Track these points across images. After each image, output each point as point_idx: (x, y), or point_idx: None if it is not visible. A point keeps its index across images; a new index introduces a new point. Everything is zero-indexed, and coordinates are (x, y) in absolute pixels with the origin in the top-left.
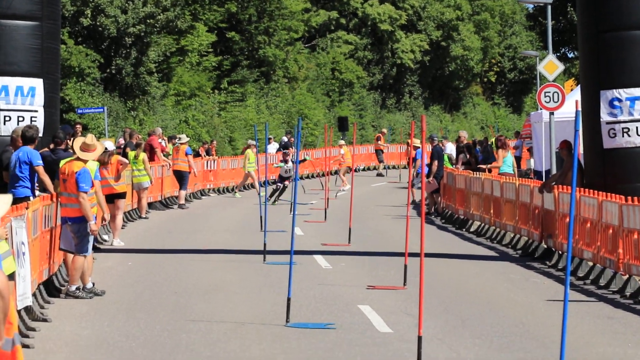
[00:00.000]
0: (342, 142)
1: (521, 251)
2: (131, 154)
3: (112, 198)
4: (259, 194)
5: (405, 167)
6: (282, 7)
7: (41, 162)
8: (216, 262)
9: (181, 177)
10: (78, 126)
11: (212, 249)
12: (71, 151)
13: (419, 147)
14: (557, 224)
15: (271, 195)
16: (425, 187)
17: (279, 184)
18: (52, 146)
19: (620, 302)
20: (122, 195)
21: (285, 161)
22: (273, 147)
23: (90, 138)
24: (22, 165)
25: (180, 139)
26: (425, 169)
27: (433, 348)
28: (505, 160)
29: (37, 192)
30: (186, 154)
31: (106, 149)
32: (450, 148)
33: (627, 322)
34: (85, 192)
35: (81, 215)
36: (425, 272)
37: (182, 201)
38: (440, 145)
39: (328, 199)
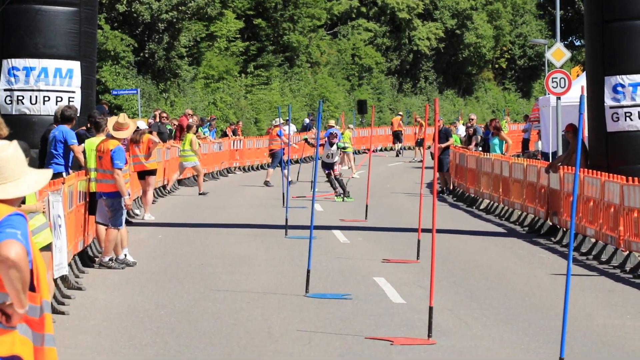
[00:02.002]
0: (351, 126)
1: (528, 228)
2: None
3: (143, 174)
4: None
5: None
6: None
7: (76, 141)
8: (240, 236)
9: (272, 156)
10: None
11: (237, 223)
12: (93, 132)
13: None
14: (562, 203)
15: (339, 187)
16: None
17: (326, 168)
18: (88, 125)
19: (620, 277)
20: (152, 172)
21: (331, 144)
22: (292, 128)
23: (122, 117)
24: (58, 143)
25: (275, 121)
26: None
27: (443, 318)
28: (494, 144)
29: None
30: (278, 135)
31: (138, 127)
32: (461, 129)
33: (626, 296)
34: (120, 169)
35: (115, 191)
36: (437, 246)
37: (268, 178)
38: (452, 127)
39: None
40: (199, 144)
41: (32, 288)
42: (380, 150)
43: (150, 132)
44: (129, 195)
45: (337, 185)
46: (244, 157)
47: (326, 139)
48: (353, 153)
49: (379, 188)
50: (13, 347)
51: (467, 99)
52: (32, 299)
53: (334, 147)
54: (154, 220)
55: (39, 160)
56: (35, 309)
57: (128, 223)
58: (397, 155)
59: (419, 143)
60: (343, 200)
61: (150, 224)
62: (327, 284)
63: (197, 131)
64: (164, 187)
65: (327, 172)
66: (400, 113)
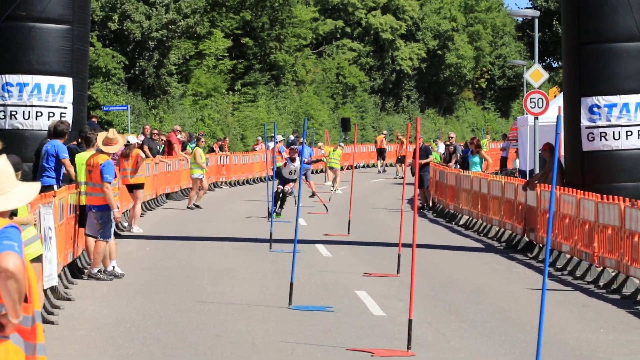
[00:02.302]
0: (342, 144)
1: (505, 244)
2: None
3: (131, 188)
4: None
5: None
6: (293, 16)
7: (67, 155)
8: (226, 249)
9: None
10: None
11: (223, 236)
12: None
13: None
14: (539, 219)
15: (275, 204)
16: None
17: (280, 187)
18: (79, 140)
19: (594, 292)
20: (140, 186)
21: (292, 159)
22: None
23: (112, 132)
24: (50, 157)
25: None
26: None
27: (422, 331)
28: (474, 162)
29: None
30: (279, 152)
31: (128, 142)
32: (441, 147)
33: (600, 310)
34: (109, 182)
35: (105, 204)
36: (417, 261)
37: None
38: (433, 145)
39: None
40: (205, 157)
41: (25, 299)
42: (363, 166)
43: (142, 147)
44: (118, 208)
45: (279, 203)
46: (230, 172)
47: (287, 159)
48: (341, 169)
49: (361, 203)
50: (7, 356)
51: (447, 118)
52: (25, 310)
53: (296, 162)
54: (142, 232)
55: (32, 173)
56: (27, 319)
57: (117, 235)
58: (381, 172)
59: (400, 160)
60: (269, 218)
61: (138, 236)
62: (309, 297)
63: (185, 148)
64: (154, 200)
65: (280, 186)
66: (384, 132)
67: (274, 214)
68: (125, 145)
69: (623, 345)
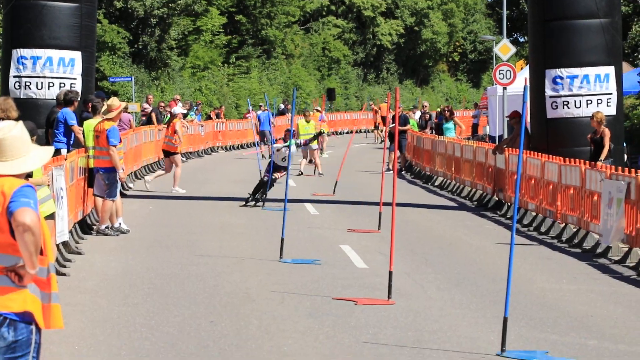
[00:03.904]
0: (318, 108)
1: (476, 202)
2: None
3: (168, 154)
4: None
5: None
6: None
7: (75, 121)
8: (222, 208)
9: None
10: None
11: (219, 196)
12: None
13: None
14: (507, 180)
15: (255, 193)
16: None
17: (267, 175)
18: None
19: (557, 246)
20: (174, 153)
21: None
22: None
23: (111, 100)
24: (59, 124)
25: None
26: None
27: (401, 282)
28: (447, 128)
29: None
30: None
31: (172, 112)
32: (418, 115)
33: (562, 263)
34: (115, 146)
35: (111, 166)
36: (397, 218)
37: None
38: (410, 113)
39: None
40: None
41: (40, 252)
42: (347, 132)
43: (150, 115)
44: (123, 169)
45: (262, 190)
46: (226, 138)
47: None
48: (327, 134)
49: (345, 166)
50: (25, 304)
51: (423, 88)
52: (41, 262)
53: (293, 148)
54: (185, 193)
55: (45, 139)
56: (43, 270)
57: (122, 195)
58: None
59: (376, 127)
60: (253, 204)
61: (142, 195)
62: (298, 251)
63: (186, 116)
64: (157, 163)
65: (267, 175)
66: (386, 100)
67: (252, 202)
68: (170, 115)
69: (584, 294)
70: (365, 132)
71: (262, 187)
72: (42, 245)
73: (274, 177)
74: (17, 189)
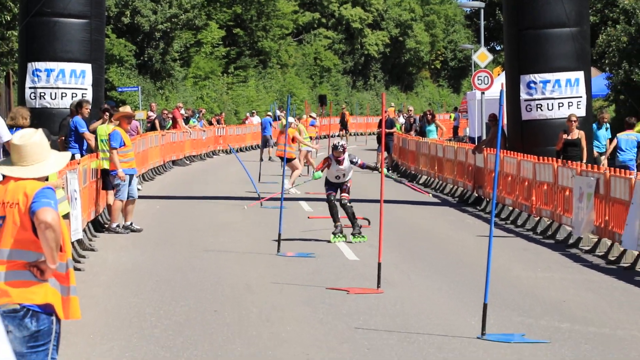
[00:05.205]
0: (313, 114)
1: (458, 198)
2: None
3: (288, 160)
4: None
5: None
6: (276, 10)
7: (85, 129)
8: (223, 206)
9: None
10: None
11: (221, 196)
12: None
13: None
14: (486, 178)
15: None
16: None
17: (330, 190)
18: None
19: (532, 237)
20: (291, 159)
21: (339, 161)
22: (257, 119)
23: (125, 107)
24: (71, 131)
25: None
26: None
27: (389, 272)
28: (430, 130)
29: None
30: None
31: (288, 122)
32: (402, 119)
33: (537, 253)
34: (114, 149)
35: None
36: (385, 214)
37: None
38: (396, 117)
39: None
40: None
41: (59, 249)
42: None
43: (153, 122)
44: (137, 172)
45: (351, 217)
46: (226, 142)
47: (330, 158)
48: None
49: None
50: (46, 296)
51: (408, 94)
52: (60, 257)
53: (345, 164)
54: (295, 194)
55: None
56: (62, 266)
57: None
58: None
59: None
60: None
61: (149, 196)
62: (294, 245)
63: (188, 122)
64: (162, 166)
65: (333, 193)
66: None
67: (340, 234)
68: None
69: (557, 282)
70: (355, 135)
71: (349, 217)
72: (61, 243)
73: (344, 202)
74: (39, 190)
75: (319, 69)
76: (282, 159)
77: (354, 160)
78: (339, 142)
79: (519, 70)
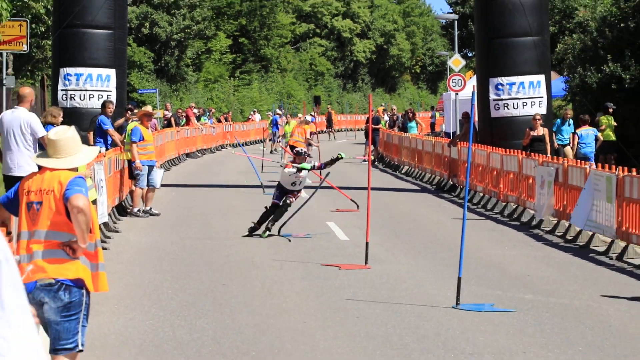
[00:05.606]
0: (313, 113)
1: (435, 186)
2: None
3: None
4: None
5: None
6: (277, 21)
7: (109, 126)
8: (230, 193)
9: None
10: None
11: (228, 184)
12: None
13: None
14: (459, 168)
15: (261, 222)
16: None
17: (277, 199)
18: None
19: (500, 220)
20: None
21: (299, 170)
22: (259, 116)
23: (145, 107)
24: (97, 128)
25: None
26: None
27: (376, 251)
28: (411, 126)
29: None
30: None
31: (304, 119)
32: (387, 117)
33: (505, 233)
34: (134, 142)
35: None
36: (372, 199)
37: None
38: (380, 114)
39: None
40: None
41: (89, 230)
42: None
43: (169, 119)
44: (157, 163)
45: (273, 217)
46: (233, 137)
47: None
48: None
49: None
50: (77, 272)
51: (392, 95)
52: (90, 238)
53: (303, 172)
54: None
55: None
56: (91, 245)
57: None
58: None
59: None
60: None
61: (166, 184)
62: (292, 227)
63: (199, 119)
64: (177, 158)
65: (277, 198)
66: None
67: (265, 232)
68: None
69: (522, 258)
70: (345, 130)
71: (273, 214)
72: (91, 225)
73: (288, 202)
74: (72, 179)
75: (314, 73)
76: (292, 147)
77: (315, 165)
78: (302, 150)
79: (488, 73)
